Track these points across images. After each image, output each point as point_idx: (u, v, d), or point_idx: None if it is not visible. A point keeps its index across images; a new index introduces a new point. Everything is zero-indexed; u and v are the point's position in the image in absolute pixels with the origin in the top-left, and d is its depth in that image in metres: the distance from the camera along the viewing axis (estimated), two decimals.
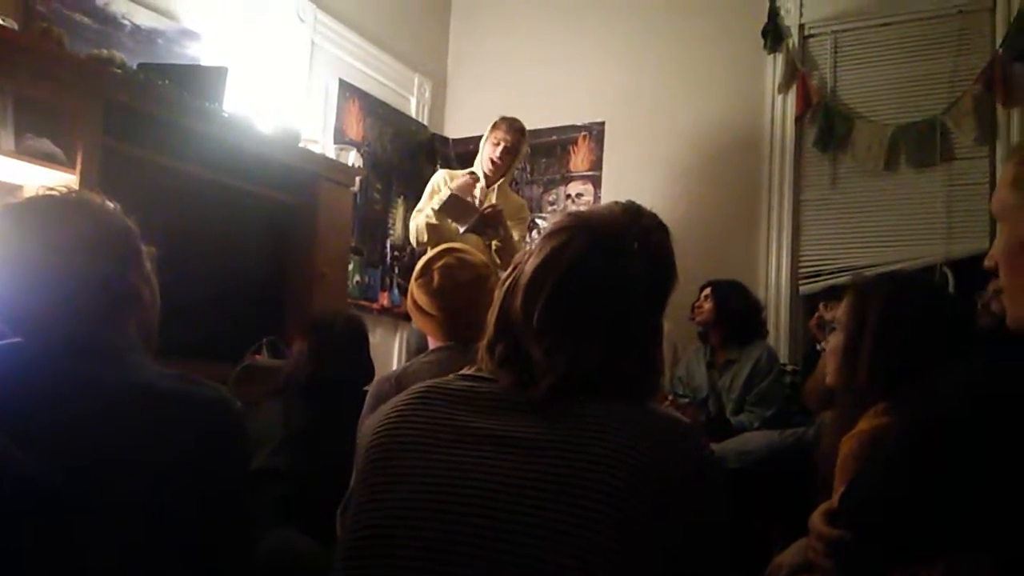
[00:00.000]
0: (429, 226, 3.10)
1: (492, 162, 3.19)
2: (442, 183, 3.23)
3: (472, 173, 3.21)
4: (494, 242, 3.10)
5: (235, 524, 0.97)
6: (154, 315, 1.11)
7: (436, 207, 3.08)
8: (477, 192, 3.19)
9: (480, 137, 4.36)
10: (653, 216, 0.98)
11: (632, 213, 0.96)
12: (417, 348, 2.90)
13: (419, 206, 3.22)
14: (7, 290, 0.98)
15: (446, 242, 2.99)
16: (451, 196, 3.04)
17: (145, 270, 1.09)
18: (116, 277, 1.03)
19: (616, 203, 0.98)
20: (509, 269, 0.98)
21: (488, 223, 3.04)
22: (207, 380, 1.02)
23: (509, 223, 3.16)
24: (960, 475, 0.76)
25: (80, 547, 0.83)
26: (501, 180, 3.25)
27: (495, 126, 3.24)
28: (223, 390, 1.02)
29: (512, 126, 3.22)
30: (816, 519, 1.02)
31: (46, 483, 0.81)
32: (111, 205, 1.08)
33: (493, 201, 3.18)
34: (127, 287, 1.04)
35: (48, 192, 1.05)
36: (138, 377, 0.96)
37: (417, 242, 3.23)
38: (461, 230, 3.04)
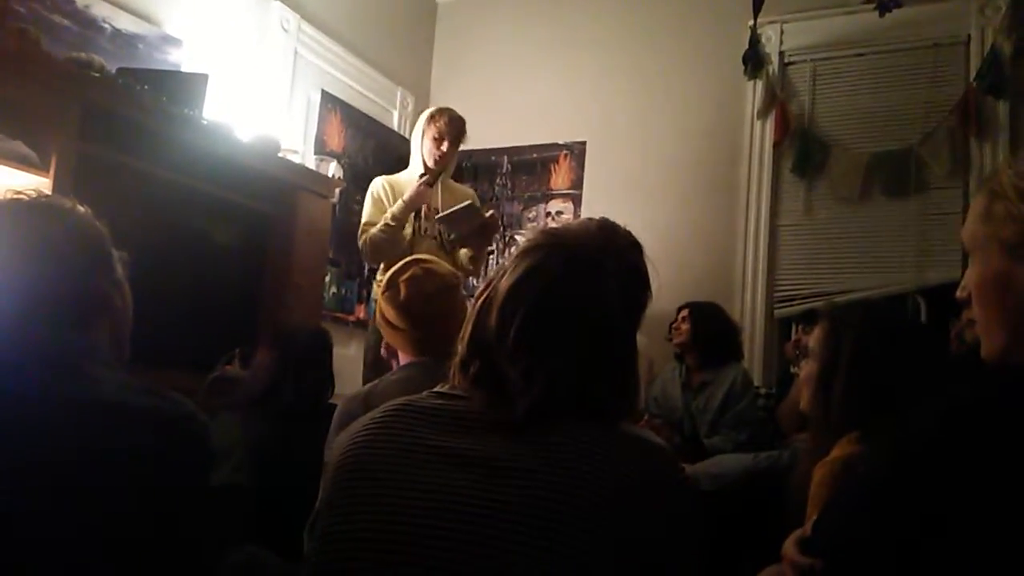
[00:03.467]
0: (383, 240, 2.91)
1: (436, 156, 3.02)
2: (384, 191, 3.03)
3: (424, 175, 3.01)
4: (464, 251, 3.02)
5: (195, 542, 0.94)
6: (126, 322, 1.08)
7: (442, 215, 2.92)
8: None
9: (462, 152, 4.35)
10: (627, 233, 0.98)
11: (607, 230, 0.96)
12: (373, 361, 2.81)
13: (367, 219, 3.01)
14: None
15: (399, 256, 2.89)
16: (469, 206, 2.90)
17: (116, 276, 1.06)
18: (85, 283, 0.99)
19: (591, 220, 0.98)
20: (483, 286, 0.97)
21: (488, 230, 2.97)
22: (175, 392, 0.98)
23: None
24: (931, 507, 0.76)
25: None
26: (444, 174, 3.10)
27: (433, 119, 3.03)
28: (189, 404, 0.98)
29: (452, 119, 3.04)
30: (789, 547, 1.02)
31: None
32: (82, 209, 1.04)
33: (439, 197, 3.03)
34: (96, 293, 1.01)
35: (16, 195, 1.01)
36: (99, 391, 0.91)
37: (373, 258, 3.03)
38: (451, 237, 2.97)
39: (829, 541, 0.92)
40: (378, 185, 3.08)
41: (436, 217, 2.95)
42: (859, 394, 1.32)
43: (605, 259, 0.92)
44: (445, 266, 1.79)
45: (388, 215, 2.94)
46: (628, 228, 0.99)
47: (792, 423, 2.71)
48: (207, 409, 1.07)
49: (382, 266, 3.01)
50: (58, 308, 0.96)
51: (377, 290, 3.02)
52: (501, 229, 4.07)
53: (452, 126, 3.04)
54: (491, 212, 3.02)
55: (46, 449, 0.84)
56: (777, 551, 1.07)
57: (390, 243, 2.91)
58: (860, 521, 0.82)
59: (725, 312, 3.29)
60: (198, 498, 0.95)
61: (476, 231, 2.96)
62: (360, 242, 3.02)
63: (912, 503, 0.77)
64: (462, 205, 2.91)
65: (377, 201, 3.03)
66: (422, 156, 3.06)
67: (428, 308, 1.67)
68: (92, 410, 0.89)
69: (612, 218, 0.99)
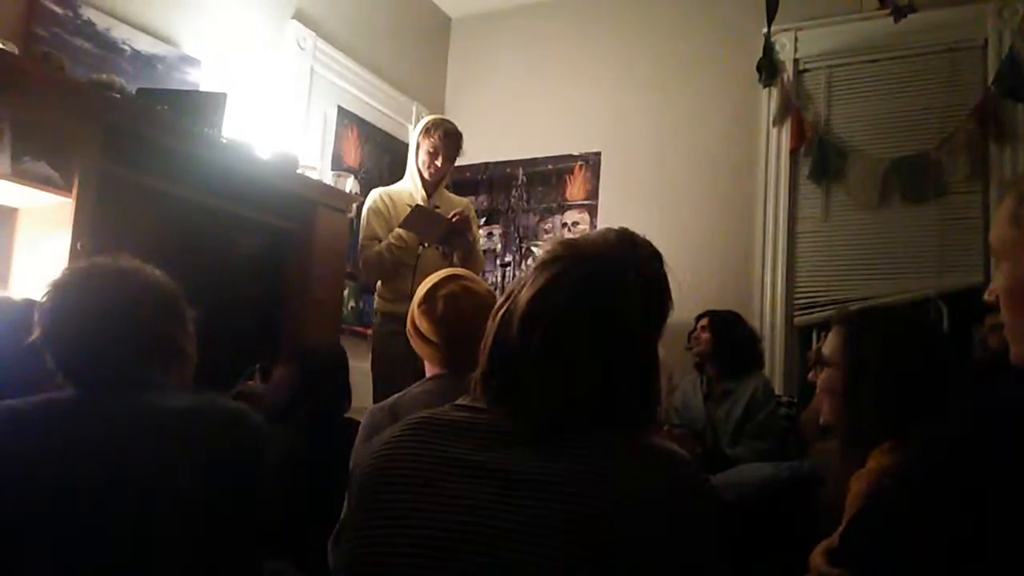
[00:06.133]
0: (391, 260, 2.92)
1: (430, 171, 3.01)
2: (385, 204, 3.03)
3: (433, 203, 3.02)
4: (456, 254, 2.97)
5: (248, 537, 1.17)
6: (191, 367, 1.31)
7: (402, 223, 2.89)
8: (419, 201, 3.02)
9: (478, 165, 4.42)
10: (647, 243, 0.97)
11: (626, 241, 0.96)
12: (386, 375, 2.80)
13: (369, 233, 3.01)
14: (72, 342, 1.17)
15: (388, 272, 2.89)
16: (417, 207, 2.89)
17: (189, 328, 1.29)
18: (168, 334, 1.24)
19: (609, 230, 0.97)
20: (502, 298, 0.97)
21: (457, 231, 2.94)
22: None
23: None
24: (964, 515, 0.75)
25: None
26: (440, 184, 3.10)
27: (428, 133, 3.00)
28: (244, 406, 1.23)
29: (447, 134, 3.00)
30: (816, 557, 1.01)
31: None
32: (159, 273, 1.28)
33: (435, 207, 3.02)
34: (173, 340, 1.25)
35: (107, 260, 1.24)
36: (180, 401, 1.15)
37: (377, 274, 3.03)
38: (424, 244, 2.93)
39: (858, 551, 0.91)
40: (377, 198, 3.06)
41: (398, 226, 2.92)
42: (890, 403, 1.28)
43: (626, 269, 0.92)
44: (483, 284, 1.78)
45: (394, 235, 2.96)
46: (644, 236, 0.99)
47: (815, 431, 2.68)
48: None
49: (382, 282, 3.02)
50: (144, 351, 1.20)
51: (379, 301, 3.07)
52: (518, 231, 4.04)
53: (447, 141, 3.00)
54: (457, 211, 2.96)
55: (147, 448, 1.09)
56: (803, 561, 1.06)
57: (395, 264, 2.94)
58: (890, 531, 0.81)
59: (745, 320, 3.27)
60: (264, 485, 1.19)
61: (447, 233, 2.92)
62: (361, 258, 3.02)
63: (945, 511, 0.76)
64: (411, 209, 2.88)
65: (378, 214, 3.01)
66: (416, 167, 3.05)
67: (463, 325, 1.67)
68: (185, 413, 1.14)
69: (629, 228, 0.98)
